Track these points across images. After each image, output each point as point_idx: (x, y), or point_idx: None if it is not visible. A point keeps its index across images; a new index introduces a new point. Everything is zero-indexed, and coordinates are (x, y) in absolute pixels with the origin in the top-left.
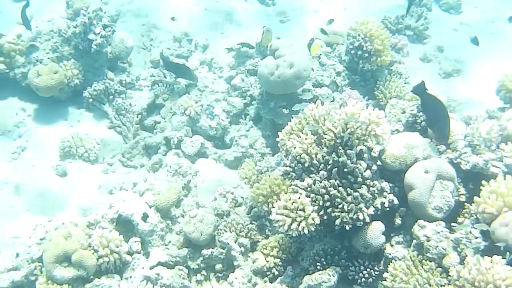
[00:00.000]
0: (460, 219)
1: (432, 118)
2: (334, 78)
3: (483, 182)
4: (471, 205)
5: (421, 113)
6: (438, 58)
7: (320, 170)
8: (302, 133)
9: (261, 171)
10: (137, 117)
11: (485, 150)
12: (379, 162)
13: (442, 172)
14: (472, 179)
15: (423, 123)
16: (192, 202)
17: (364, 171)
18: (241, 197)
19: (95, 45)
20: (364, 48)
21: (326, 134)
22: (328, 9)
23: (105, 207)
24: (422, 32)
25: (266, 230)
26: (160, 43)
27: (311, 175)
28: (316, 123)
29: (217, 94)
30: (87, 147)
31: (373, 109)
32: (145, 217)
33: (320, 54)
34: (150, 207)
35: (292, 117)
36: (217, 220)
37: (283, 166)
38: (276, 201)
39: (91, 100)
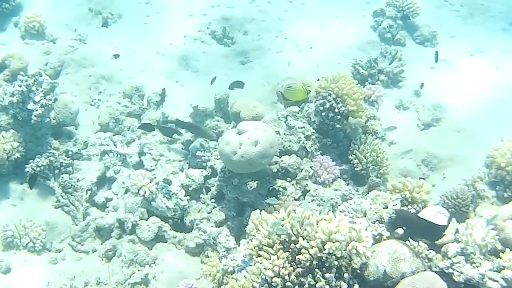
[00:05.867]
0: None
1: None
2: (303, 143)
3: None
4: None
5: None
6: (415, 105)
7: None
8: (273, 249)
9: (227, 271)
10: (86, 193)
11: (481, 258)
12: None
13: None
14: None
15: None
16: None
17: None
18: None
19: (36, 116)
20: (336, 110)
21: (300, 253)
22: (293, 48)
23: None
24: (397, 75)
25: None
26: (110, 96)
27: None
28: (289, 237)
29: (174, 164)
30: (32, 236)
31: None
32: None
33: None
34: None
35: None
36: None
37: None
38: None
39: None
